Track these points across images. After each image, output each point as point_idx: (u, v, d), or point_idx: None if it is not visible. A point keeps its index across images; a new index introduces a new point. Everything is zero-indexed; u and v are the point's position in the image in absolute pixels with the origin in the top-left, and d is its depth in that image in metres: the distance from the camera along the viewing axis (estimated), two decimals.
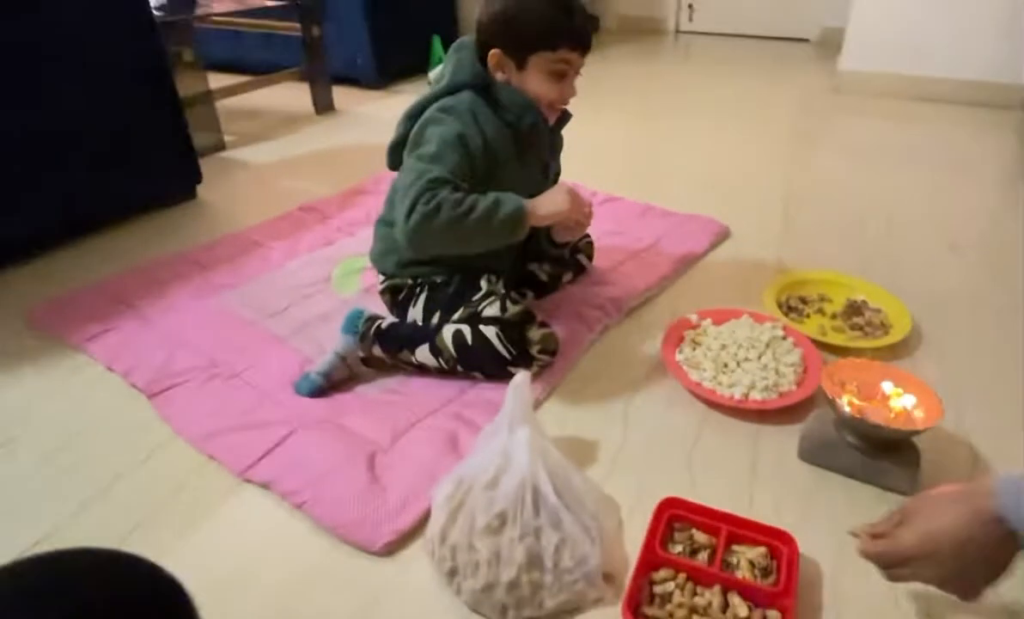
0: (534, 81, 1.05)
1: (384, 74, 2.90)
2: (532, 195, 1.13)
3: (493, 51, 1.04)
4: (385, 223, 1.17)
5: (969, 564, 0.60)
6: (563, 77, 1.06)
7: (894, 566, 0.65)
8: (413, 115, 1.08)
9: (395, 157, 1.14)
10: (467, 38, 1.08)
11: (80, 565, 0.40)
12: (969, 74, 2.51)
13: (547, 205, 1.02)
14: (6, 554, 0.50)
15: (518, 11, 1.02)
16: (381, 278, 1.20)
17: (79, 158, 1.52)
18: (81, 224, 1.60)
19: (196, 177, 1.81)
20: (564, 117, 1.16)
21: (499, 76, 1.06)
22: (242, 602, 0.75)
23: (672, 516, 0.82)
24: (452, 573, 0.74)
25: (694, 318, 1.20)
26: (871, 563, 0.66)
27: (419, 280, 1.14)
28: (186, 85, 1.93)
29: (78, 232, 1.59)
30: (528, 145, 1.11)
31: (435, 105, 1.05)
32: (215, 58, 2.67)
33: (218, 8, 2.30)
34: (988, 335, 1.20)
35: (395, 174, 1.15)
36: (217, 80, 2.24)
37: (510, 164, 1.08)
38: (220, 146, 2.20)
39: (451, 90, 1.06)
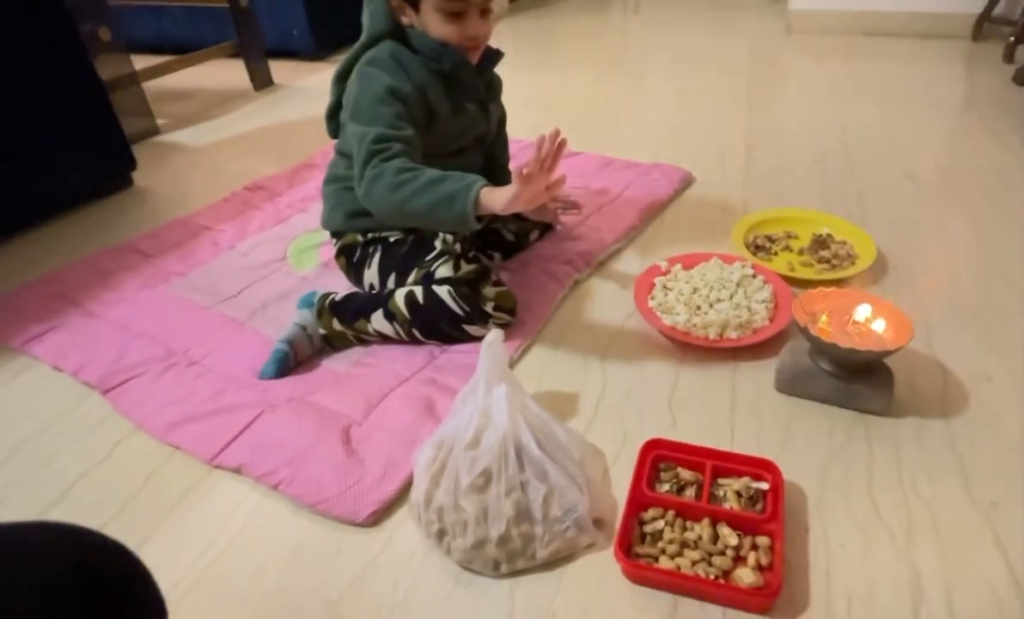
0: (432, 22, 0.99)
1: (323, 45, 2.78)
2: (479, 139, 1.13)
3: None
4: (328, 181, 1.15)
5: None
6: (461, 16, 0.98)
7: None
8: (342, 75, 1.06)
9: (333, 123, 1.13)
10: None
11: (42, 538, 0.37)
12: (917, 6, 2.55)
13: (501, 200, 0.87)
14: None
15: None
16: (334, 241, 1.17)
17: None
18: (9, 222, 1.49)
19: (130, 164, 1.70)
20: (493, 55, 1.10)
21: (404, 21, 1.02)
22: (228, 589, 0.72)
23: (657, 457, 0.82)
24: (441, 534, 0.73)
25: (664, 265, 1.19)
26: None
27: (370, 237, 1.11)
28: (107, 68, 1.81)
29: (8, 231, 1.48)
30: (459, 89, 1.06)
31: (360, 61, 1.01)
32: (136, 38, 2.50)
33: None
34: (949, 257, 1.22)
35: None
36: (141, 61, 2.10)
37: (445, 110, 1.04)
38: (153, 130, 2.08)
39: (370, 42, 1.03)
